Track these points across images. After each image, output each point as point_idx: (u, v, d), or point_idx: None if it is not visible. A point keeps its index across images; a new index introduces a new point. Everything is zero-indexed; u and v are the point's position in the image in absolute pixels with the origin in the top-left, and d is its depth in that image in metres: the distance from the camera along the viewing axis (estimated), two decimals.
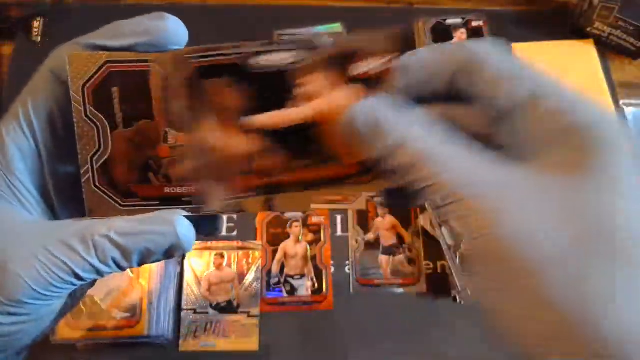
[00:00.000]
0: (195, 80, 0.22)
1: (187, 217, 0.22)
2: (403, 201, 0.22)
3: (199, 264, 0.52)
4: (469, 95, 0.20)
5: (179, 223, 0.21)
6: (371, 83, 0.22)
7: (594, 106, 0.19)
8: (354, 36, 0.22)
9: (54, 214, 0.23)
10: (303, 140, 0.23)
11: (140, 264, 0.22)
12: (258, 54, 0.22)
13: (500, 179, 0.18)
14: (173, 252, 0.22)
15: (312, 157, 0.23)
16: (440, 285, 0.53)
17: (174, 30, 0.24)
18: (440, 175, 0.18)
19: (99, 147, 0.22)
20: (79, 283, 0.21)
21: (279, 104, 0.22)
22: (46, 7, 0.65)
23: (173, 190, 0.23)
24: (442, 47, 0.21)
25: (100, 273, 0.21)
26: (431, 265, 0.54)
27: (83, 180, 0.22)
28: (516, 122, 0.19)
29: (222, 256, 0.53)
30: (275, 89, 0.22)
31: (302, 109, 0.22)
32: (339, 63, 0.22)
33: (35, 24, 0.63)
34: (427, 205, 0.50)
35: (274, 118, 0.22)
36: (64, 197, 0.23)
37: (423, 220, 0.54)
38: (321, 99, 0.22)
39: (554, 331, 0.17)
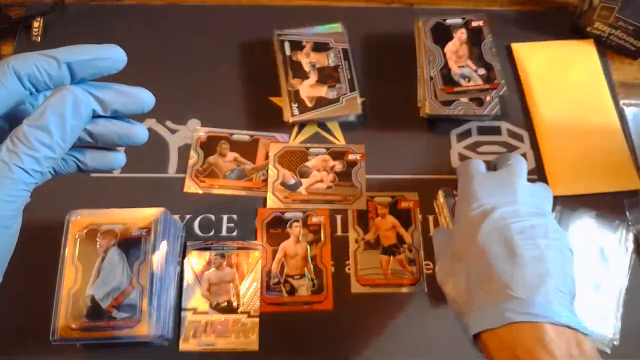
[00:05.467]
0: None
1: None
2: None
3: (199, 264, 0.52)
4: None
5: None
6: None
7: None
8: None
9: None
10: None
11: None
12: None
13: None
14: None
15: None
16: None
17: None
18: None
19: None
20: (29, 179, 0.26)
21: None
22: (46, 7, 0.65)
23: None
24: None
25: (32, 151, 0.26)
26: (431, 265, 0.54)
27: None
28: None
29: (222, 256, 0.53)
30: None
31: None
32: None
33: (35, 24, 0.63)
34: None
35: None
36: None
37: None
38: None
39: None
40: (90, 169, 0.32)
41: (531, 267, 0.37)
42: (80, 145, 0.31)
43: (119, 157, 0.33)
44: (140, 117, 0.61)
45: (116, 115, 0.31)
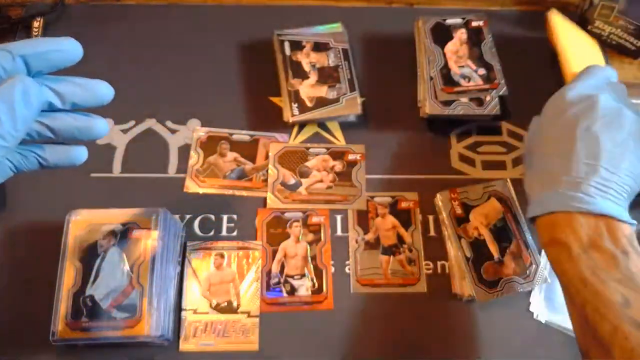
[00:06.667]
0: None
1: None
2: None
3: (199, 264, 0.52)
4: None
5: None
6: None
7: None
8: None
9: None
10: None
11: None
12: None
13: None
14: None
15: None
16: (440, 285, 0.53)
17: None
18: None
19: None
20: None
21: None
22: (46, 7, 0.65)
23: None
24: None
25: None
26: (431, 265, 0.54)
27: None
28: None
29: (222, 256, 0.53)
30: None
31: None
32: None
33: (35, 24, 0.64)
34: None
35: None
36: None
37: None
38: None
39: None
40: (52, 165, 0.32)
41: (581, 167, 0.43)
42: (40, 141, 0.31)
43: (80, 152, 0.33)
44: (139, 117, 0.62)
45: (76, 110, 0.31)
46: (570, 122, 0.45)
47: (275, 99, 0.62)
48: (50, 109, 0.29)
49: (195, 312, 0.51)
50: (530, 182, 0.47)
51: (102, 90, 0.31)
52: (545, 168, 0.46)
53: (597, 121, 0.44)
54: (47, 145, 0.32)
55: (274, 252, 0.54)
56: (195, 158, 0.58)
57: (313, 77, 0.60)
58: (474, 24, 0.62)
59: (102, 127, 0.32)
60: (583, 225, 0.41)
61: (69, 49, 0.29)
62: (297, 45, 0.62)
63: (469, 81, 0.59)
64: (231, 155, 0.59)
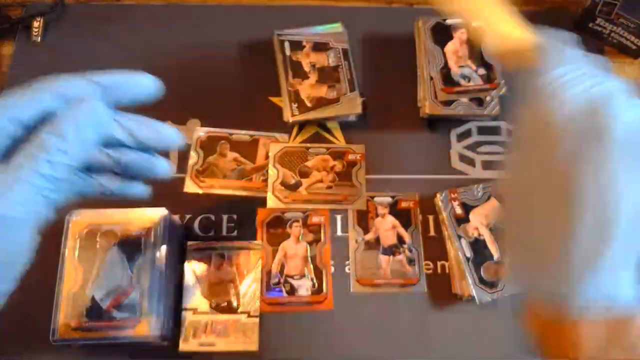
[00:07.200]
0: None
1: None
2: None
3: (199, 265, 0.52)
4: None
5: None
6: None
7: None
8: None
9: None
10: None
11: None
12: None
13: None
14: None
15: None
16: (440, 285, 0.53)
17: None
18: None
19: None
20: (43, 183, 0.27)
21: None
22: (46, 7, 0.65)
23: None
24: None
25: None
26: (431, 265, 0.54)
27: None
28: None
29: (222, 256, 0.53)
30: None
31: None
32: None
33: (35, 24, 0.63)
34: None
35: None
36: None
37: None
38: None
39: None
40: (111, 195, 0.33)
41: (587, 239, 0.27)
42: (105, 171, 0.32)
43: (141, 189, 0.34)
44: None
45: (142, 147, 0.32)
46: (564, 165, 0.28)
47: (275, 99, 0.62)
48: (119, 144, 0.31)
49: (195, 312, 0.51)
50: (511, 256, 0.33)
51: (171, 138, 0.32)
52: (529, 238, 0.30)
53: (610, 153, 0.27)
54: (111, 176, 0.33)
55: (274, 252, 0.54)
56: (195, 158, 0.58)
57: (313, 77, 0.60)
58: (474, 23, 0.62)
59: (164, 168, 0.34)
60: (597, 329, 0.28)
61: (147, 84, 0.31)
62: (297, 45, 0.62)
63: (469, 81, 0.59)
64: (231, 155, 0.59)
